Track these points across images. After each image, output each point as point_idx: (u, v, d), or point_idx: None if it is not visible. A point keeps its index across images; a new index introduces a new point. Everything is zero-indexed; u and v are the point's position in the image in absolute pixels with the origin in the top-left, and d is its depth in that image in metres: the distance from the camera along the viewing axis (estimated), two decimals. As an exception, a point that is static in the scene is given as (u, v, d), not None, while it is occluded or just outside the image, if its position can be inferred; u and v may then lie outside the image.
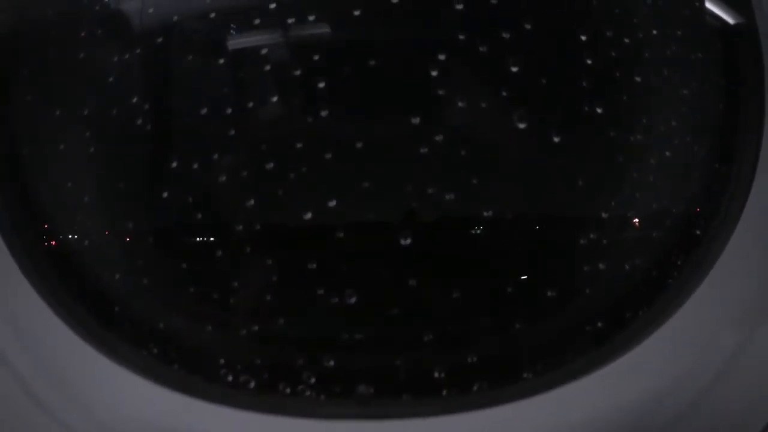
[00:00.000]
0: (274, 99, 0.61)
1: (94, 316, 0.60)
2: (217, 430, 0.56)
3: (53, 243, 0.63)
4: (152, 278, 0.62)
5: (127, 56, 0.63)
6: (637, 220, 0.64)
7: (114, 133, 0.64)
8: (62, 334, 0.59)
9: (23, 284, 0.60)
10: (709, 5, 0.66)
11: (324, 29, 0.61)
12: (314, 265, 0.58)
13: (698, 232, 0.62)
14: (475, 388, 0.57)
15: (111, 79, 0.63)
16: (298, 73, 0.60)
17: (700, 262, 0.60)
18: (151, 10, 0.63)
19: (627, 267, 0.62)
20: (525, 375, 0.58)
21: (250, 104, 0.62)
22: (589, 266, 0.61)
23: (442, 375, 0.57)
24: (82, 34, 0.64)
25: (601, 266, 0.61)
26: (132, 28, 0.63)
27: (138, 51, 0.63)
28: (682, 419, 0.57)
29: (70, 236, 0.64)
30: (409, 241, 0.58)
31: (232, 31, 0.63)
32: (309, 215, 0.58)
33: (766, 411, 0.58)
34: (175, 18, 0.62)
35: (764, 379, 0.59)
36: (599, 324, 0.60)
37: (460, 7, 0.59)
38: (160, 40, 0.62)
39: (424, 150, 0.58)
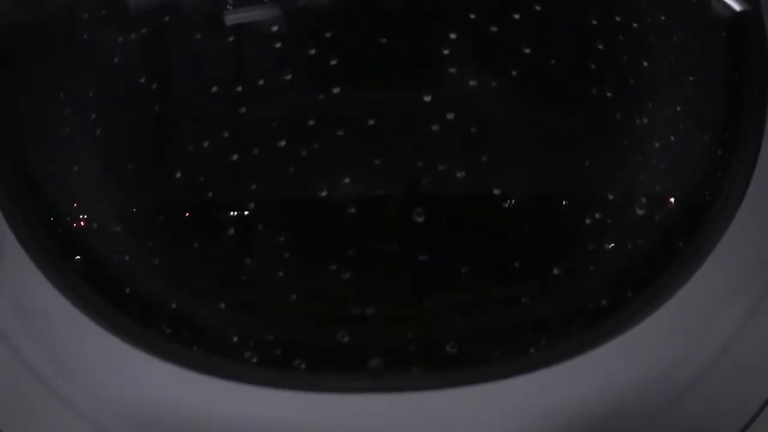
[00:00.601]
0: (282, 75, 0.61)
1: (103, 297, 0.60)
2: (230, 407, 0.57)
3: (60, 224, 0.63)
4: (162, 258, 0.62)
5: (130, 35, 0.63)
6: (639, 201, 0.64)
7: (120, 112, 0.64)
8: (68, 314, 0.59)
9: (28, 264, 0.60)
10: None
11: (331, 2, 0.62)
12: (325, 241, 0.59)
13: (700, 216, 0.63)
14: (482, 361, 0.58)
15: (116, 58, 0.63)
16: (304, 47, 0.60)
17: (701, 245, 0.61)
18: None
19: (629, 247, 0.63)
20: (531, 349, 0.59)
21: (257, 81, 0.62)
22: (591, 245, 0.62)
23: (452, 349, 0.58)
24: (85, 15, 0.64)
25: (604, 246, 0.62)
26: (134, 6, 0.64)
27: (141, 29, 0.63)
28: (677, 401, 0.58)
29: (76, 217, 0.64)
30: (419, 216, 0.58)
31: (235, 5, 0.63)
32: (319, 191, 0.59)
33: (762, 392, 0.59)
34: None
35: (760, 362, 0.60)
36: (601, 302, 0.61)
37: None
38: (163, 16, 0.63)
39: (434, 127, 0.59)
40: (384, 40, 0.59)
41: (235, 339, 0.59)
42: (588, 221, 0.61)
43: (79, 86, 0.64)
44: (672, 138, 0.64)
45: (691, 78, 0.65)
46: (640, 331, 0.59)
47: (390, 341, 0.59)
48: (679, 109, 0.65)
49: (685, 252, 0.61)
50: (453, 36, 0.59)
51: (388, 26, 0.59)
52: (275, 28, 0.61)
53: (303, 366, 0.58)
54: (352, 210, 0.58)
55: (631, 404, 0.57)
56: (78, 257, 0.62)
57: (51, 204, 0.64)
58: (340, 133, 0.58)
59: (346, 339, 0.57)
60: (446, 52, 0.59)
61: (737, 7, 0.65)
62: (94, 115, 0.63)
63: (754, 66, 0.64)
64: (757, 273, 0.61)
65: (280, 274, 0.60)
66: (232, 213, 0.62)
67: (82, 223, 0.64)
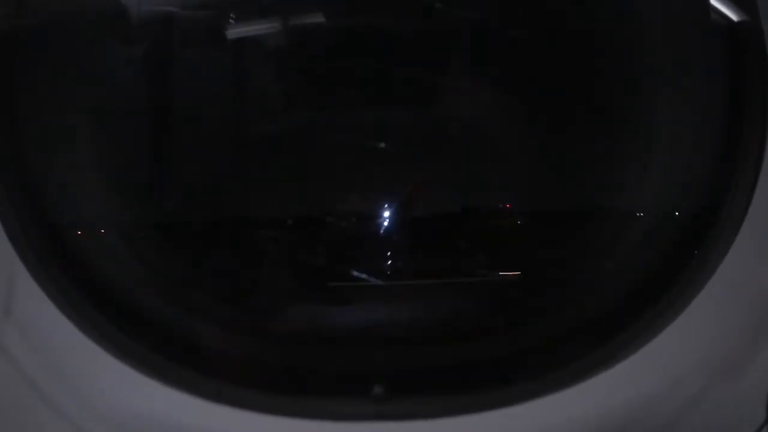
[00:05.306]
0: (280, 92, 0.61)
1: (101, 312, 0.60)
2: (225, 430, 0.57)
3: (58, 236, 0.62)
4: (160, 275, 0.62)
5: (132, 46, 0.63)
6: (641, 217, 0.64)
7: (120, 123, 0.63)
8: (65, 329, 0.59)
9: (28, 281, 0.59)
10: (714, 2, 0.66)
11: (322, 20, 0.61)
12: (325, 262, 0.59)
13: (702, 230, 0.62)
14: (480, 388, 0.58)
15: (117, 69, 0.62)
16: (296, 66, 0.60)
17: (706, 260, 0.61)
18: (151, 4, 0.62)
19: (633, 264, 0.63)
20: (530, 376, 0.59)
21: (255, 98, 0.62)
22: (596, 263, 0.62)
23: (453, 375, 0.58)
24: (88, 24, 0.63)
25: (608, 262, 0.62)
26: (137, 17, 0.63)
27: (143, 40, 0.63)
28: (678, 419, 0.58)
29: (74, 230, 0.63)
30: (421, 236, 0.58)
31: (231, 22, 0.62)
32: (320, 209, 0.59)
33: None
34: (175, 11, 0.62)
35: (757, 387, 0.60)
36: (607, 321, 0.61)
37: None
38: (165, 29, 0.62)
39: (431, 143, 0.58)
40: (382, 58, 0.58)
41: (234, 363, 0.59)
42: (591, 237, 0.61)
43: (80, 96, 0.63)
44: (671, 152, 0.64)
45: (691, 90, 0.65)
46: (637, 355, 0.59)
47: (393, 367, 0.58)
48: (679, 121, 0.64)
49: (690, 267, 0.61)
50: (451, 54, 0.58)
51: (387, 45, 0.59)
52: (274, 46, 0.60)
53: (304, 392, 0.57)
54: (352, 230, 0.58)
55: (630, 425, 0.58)
56: (75, 270, 0.61)
57: (50, 216, 0.63)
58: (338, 150, 0.58)
59: (347, 365, 0.57)
60: (444, 69, 0.58)
61: (735, 18, 0.65)
62: (94, 126, 0.62)
63: (754, 77, 0.64)
64: (756, 297, 0.61)
65: (280, 296, 0.59)
66: (230, 234, 0.61)
67: (80, 235, 0.63)
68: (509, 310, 0.61)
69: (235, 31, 0.62)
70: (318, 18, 0.61)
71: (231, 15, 0.62)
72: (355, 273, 0.59)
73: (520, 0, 0.62)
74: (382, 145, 0.60)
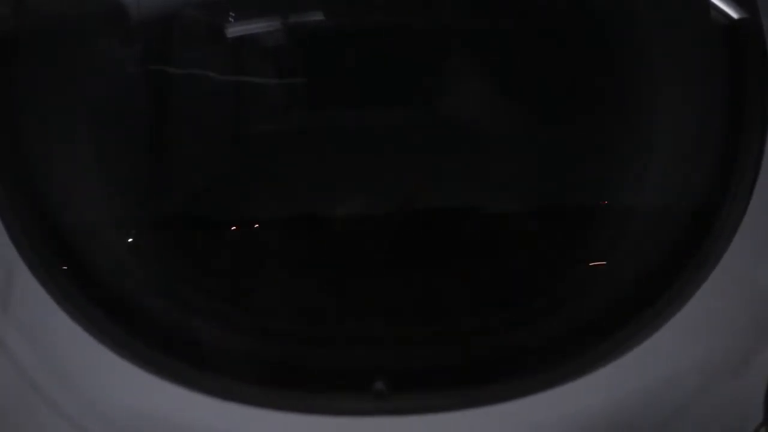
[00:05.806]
0: (275, 91, 0.61)
1: (106, 315, 0.60)
2: (226, 427, 0.57)
3: (66, 249, 0.62)
4: (158, 272, 0.62)
5: (127, 49, 0.63)
6: (640, 214, 0.64)
7: (119, 122, 0.63)
8: (65, 328, 0.59)
9: (27, 277, 0.59)
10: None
11: (322, 19, 0.61)
12: (327, 260, 0.59)
13: (703, 229, 0.63)
14: (485, 383, 0.58)
15: (114, 72, 0.62)
16: (296, 64, 0.60)
17: (705, 259, 0.61)
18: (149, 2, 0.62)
19: (631, 262, 0.63)
20: (532, 371, 0.59)
21: (254, 97, 0.62)
22: (596, 261, 0.62)
23: (455, 370, 0.58)
24: (87, 24, 0.63)
25: (606, 261, 0.62)
26: (136, 17, 0.63)
27: (142, 40, 0.63)
28: (679, 414, 0.58)
29: (73, 226, 0.63)
30: (420, 234, 0.58)
31: (231, 20, 0.62)
32: (322, 208, 0.59)
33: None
34: (174, 9, 0.62)
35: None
36: (606, 318, 0.61)
37: None
38: (160, 31, 0.62)
39: (430, 143, 0.58)
40: (380, 58, 0.58)
41: (235, 359, 0.59)
42: (591, 236, 0.62)
43: (80, 96, 0.63)
44: (671, 148, 0.64)
45: (690, 88, 0.65)
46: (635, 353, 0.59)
47: (395, 363, 0.59)
48: (678, 120, 0.64)
49: (689, 266, 0.61)
50: (449, 53, 0.58)
51: (385, 44, 0.59)
52: (274, 45, 0.60)
53: (305, 388, 0.57)
54: (351, 227, 0.58)
55: (628, 423, 0.58)
56: (75, 269, 0.61)
57: (50, 216, 0.63)
58: (337, 150, 0.58)
59: (349, 360, 0.57)
60: (441, 69, 0.58)
61: (735, 15, 0.65)
62: (94, 126, 0.62)
63: (754, 75, 0.64)
64: (756, 297, 0.61)
65: (281, 292, 0.60)
66: (228, 231, 0.61)
67: (80, 235, 0.63)
68: (509, 307, 0.61)
69: (234, 30, 0.62)
70: (318, 17, 0.61)
71: (230, 14, 0.62)
72: (356, 270, 0.59)
73: None
74: (383, 144, 0.60)
